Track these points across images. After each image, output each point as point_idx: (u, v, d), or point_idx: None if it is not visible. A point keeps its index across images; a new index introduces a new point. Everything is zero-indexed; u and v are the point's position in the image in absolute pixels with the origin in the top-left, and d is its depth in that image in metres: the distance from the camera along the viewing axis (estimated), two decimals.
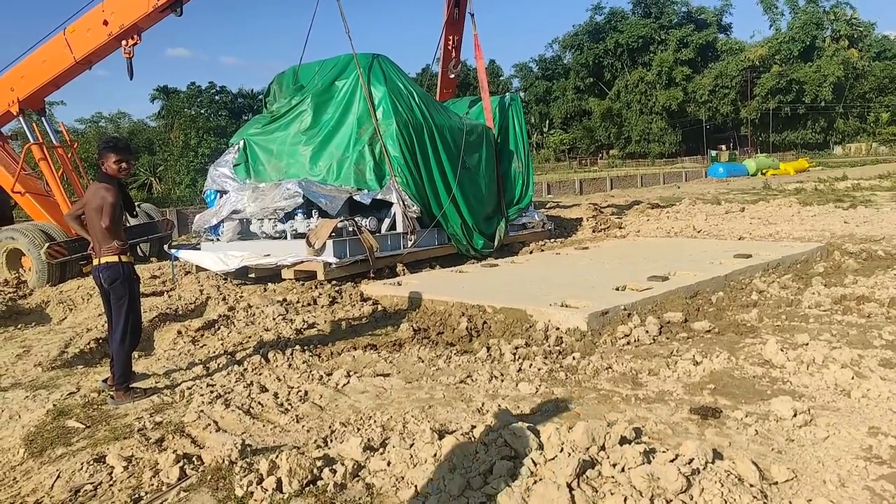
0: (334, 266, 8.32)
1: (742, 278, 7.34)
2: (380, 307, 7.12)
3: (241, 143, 10.51)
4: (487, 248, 10.58)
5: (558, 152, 75.09)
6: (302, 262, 8.41)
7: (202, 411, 4.18)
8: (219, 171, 10.39)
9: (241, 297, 8.17)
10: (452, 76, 14.78)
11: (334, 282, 8.48)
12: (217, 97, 59.55)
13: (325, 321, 6.66)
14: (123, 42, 10.30)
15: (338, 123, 9.87)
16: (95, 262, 4.47)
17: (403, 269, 8.90)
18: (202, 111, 56.37)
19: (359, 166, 9.55)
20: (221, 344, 5.98)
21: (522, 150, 12.31)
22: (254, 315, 6.90)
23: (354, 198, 9.28)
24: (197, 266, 9.20)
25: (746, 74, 67.91)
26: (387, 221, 9.49)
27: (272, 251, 8.69)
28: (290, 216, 9.04)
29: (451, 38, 13.96)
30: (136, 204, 12.55)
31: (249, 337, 6.16)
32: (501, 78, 78.89)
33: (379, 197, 9.39)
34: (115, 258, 4.41)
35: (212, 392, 4.53)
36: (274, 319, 6.66)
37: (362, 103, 9.68)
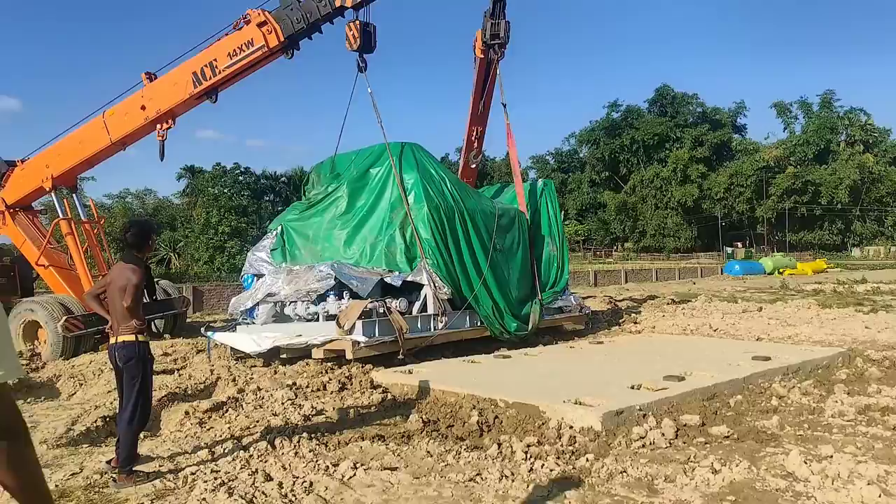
0: (363, 345, 8.34)
1: (761, 382, 7.17)
2: (390, 395, 7.01)
3: (279, 228, 10.83)
4: (522, 331, 10.50)
5: (573, 243, 75.55)
6: (331, 341, 8.45)
7: (204, 499, 4.07)
8: (256, 256, 10.64)
9: (251, 378, 8.11)
10: (473, 166, 15.19)
11: (346, 366, 8.42)
12: (241, 178, 61.18)
13: (334, 408, 6.57)
14: (158, 126, 10.78)
15: (371, 208, 10.20)
16: (112, 340, 4.50)
17: (402, 354, 8.72)
18: (225, 190, 57.83)
19: (390, 249, 9.77)
20: (228, 427, 5.88)
21: (557, 233, 12.46)
22: (262, 399, 6.82)
23: (385, 280, 9.41)
24: (231, 348, 9.23)
25: (761, 174, 68.93)
26: (417, 304, 9.55)
27: (304, 332, 8.78)
28: (322, 298, 9.19)
29: (474, 129, 14.44)
30: (156, 282, 12.75)
31: (257, 421, 6.07)
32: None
33: (410, 279, 9.51)
34: (132, 337, 4.45)
35: (215, 479, 4.42)
36: (283, 404, 6.58)
37: (395, 189, 10.01)
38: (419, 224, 9.68)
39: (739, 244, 69.40)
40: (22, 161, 11.89)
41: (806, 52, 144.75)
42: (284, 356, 8.99)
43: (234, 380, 8.04)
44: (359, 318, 8.42)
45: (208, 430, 5.91)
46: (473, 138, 14.70)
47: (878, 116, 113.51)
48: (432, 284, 9.45)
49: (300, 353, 8.84)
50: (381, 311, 8.80)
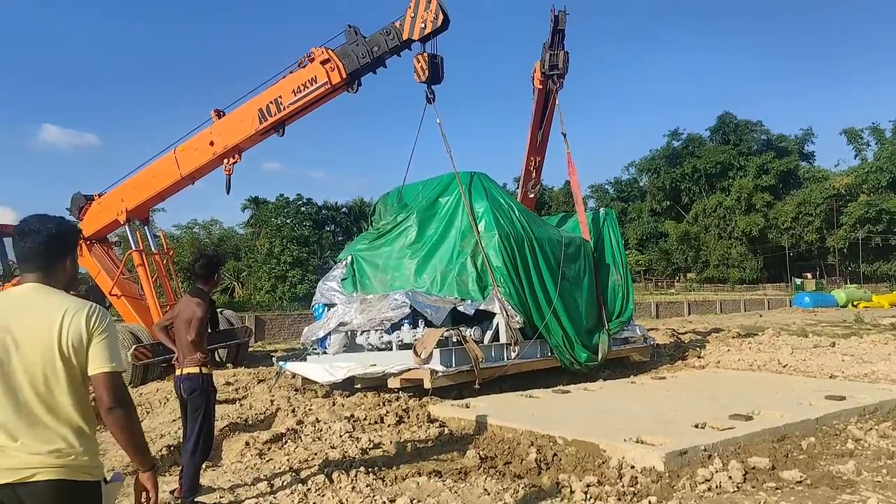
0: (441, 375, 8.38)
1: (836, 423, 6.80)
2: (447, 430, 6.98)
3: (349, 258, 11.06)
4: (591, 362, 10.42)
5: (634, 273, 74.04)
6: (409, 370, 8.52)
7: None
8: (327, 286, 10.85)
9: (310, 409, 8.23)
10: (532, 195, 15.22)
11: (403, 399, 8.45)
12: (303, 209, 62.77)
13: (391, 441, 6.58)
14: (225, 160, 11.22)
15: (441, 237, 10.31)
16: (178, 371, 4.65)
17: (479, 383, 8.66)
18: (288, 221, 59.40)
19: (461, 278, 9.84)
20: (287, 459, 5.96)
21: (620, 263, 12.35)
22: (321, 430, 6.89)
23: (458, 308, 9.46)
24: (303, 378, 9.40)
25: (832, 203, 66.27)
26: (489, 333, 9.56)
27: (378, 361, 8.88)
28: (396, 327, 9.29)
29: (533, 159, 14.52)
30: (219, 313, 13.14)
31: (315, 454, 6.13)
32: None
33: (482, 307, 9.54)
34: (197, 369, 4.59)
35: None
36: (340, 436, 6.63)
37: (464, 218, 10.11)
38: (490, 252, 9.74)
39: (809, 275, 66.48)
40: (99, 195, 12.56)
41: (876, 77, 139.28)
42: (359, 386, 9.09)
43: (293, 410, 8.18)
44: (436, 347, 8.49)
45: (267, 461, 6.01)
46: (532, 168, 14.76)
47: None
48: (505, 313, 9.46)
49: (375, 383, 8.95)
50: (455, 339, 8.86)
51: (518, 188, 15.72)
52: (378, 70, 10.50)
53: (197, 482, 4.55)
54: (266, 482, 5.19)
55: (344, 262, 10.99)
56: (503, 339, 9.43)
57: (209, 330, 4.81)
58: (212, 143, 11.17)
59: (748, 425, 6.34)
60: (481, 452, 6.08)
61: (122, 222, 12.22)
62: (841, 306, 38.27)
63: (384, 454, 6.20)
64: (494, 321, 9.60)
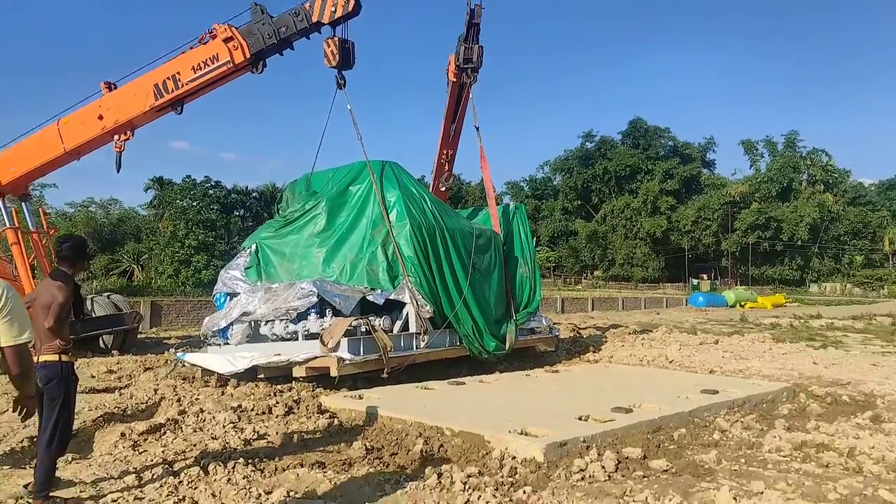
0: (348, 363, 8.27)
1: (707, 415, 7.22)
2: (336, 421, 6.90)
3: (254, 246, 10.69)
4: (499, 351, 10.60)
5: (544, 269, 76.12)
6: (315, 358, 8.37)
7: None
8: (230, 274, 10.47)
9: (196, 399, 7.94)
10: (444, 189, 15.24)
11: (295, 390, 8.30)
12: (211, 191, 60.49)
13: (278, 433, 6.43)
14: (116, 136, 10.62)
15: (351, 226, 10.16)
16: (34, 359, 4.34)
17: (387, 372, 8.64)
18: (194, 203, 57.08)
19: (372, 267, 9.73)
20: (163, 451, 5.71)
21: (529, 255, 12.59)
22: (204, 421, 6.65)
23: (368, 297, 9.36)
24: (203, 369, 9.04)
25: (728, 209, 70.48)
26: (399, 322, 9.52)
27: (283, 351, 8.66)
28: (302, 316, 9.09)
29: (445, 152, 14.53)
30: (85, 301, 12.42)
31: (194, 445, 5.91)
32: (494, 194, 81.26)
33: (392, 297, 9.49)
34: (55, 357, 4.30)
35: None
36: (224, 427, 6.42)
37: (376, 207, 9.99)
38: (402, 242, 9.70)
39: (705, 276, 70.49)
40: None
41: (773, 91, 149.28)
42: (262, 376, 8.84)
43: (178, 400, 7.85)
44: (343, 335, 8.39)
45: (141, 453, 5.73)
46: (444, 161, 14.79)
47: (839, 158, 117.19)
48: (415, 303, 9.47)
49: (279, 373, 8.74)
50: (364, 329, 8.78)
51: (431, 181, 15.74)
52: (286, 52, 10.22)
53: (52, 476, 4.27)
54: (135, 475, 4.94)
55: (248, 251, 10.64)
56: (413, 328, 9.45)
57: (72, 317, 4.51)
58: (101, 118, 10.54)
59: (627, 417, 6.63)
60: (368, 444, 6.05)
61: None
62: (730, 306, 40.68)
63: (268, 445, 6.05)
64: (404, 311, 9.60)
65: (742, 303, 41.32)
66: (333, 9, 9.55)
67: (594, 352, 13.59)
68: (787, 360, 12.64)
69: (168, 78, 10.12)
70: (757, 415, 7.45)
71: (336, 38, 9.89)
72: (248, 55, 9.82)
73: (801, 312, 29.78)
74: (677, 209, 72.37)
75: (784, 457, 5.69)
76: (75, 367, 4.64)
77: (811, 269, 71.90)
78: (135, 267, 57.82)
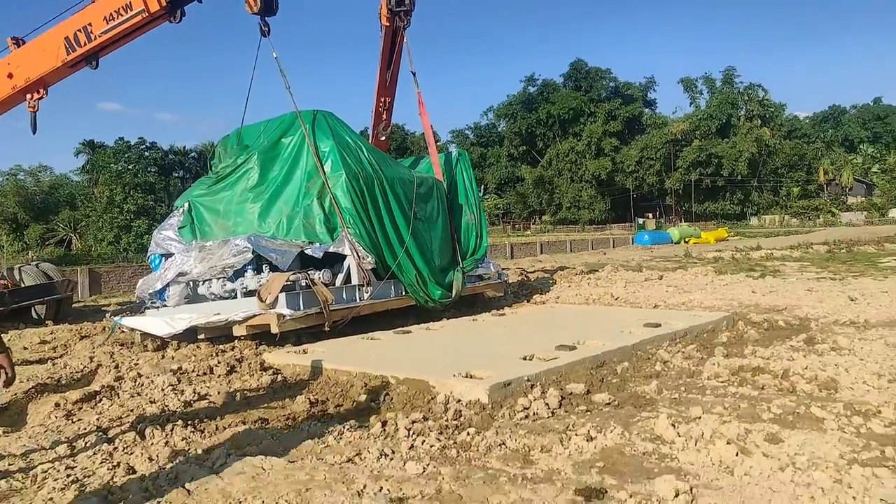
0: (288, 318, 8.07)
1: (649, 348, 7.38)
2: (280, 377, 6.79)
3: (186, 205, 10.27)
4: (446, 298, 10.56)
5: (492, 216, 76.58)
6: (254, 316, 8.14)
7: (51, 499, 3.77)
8: (163, 235, 10.05)
9: (135, 364, 7.71)
10: (383, 138, 14.87)
11: (238, 349, 8.12)
12: (147, 153, 58.24)
13: (219, 392, 6.29)
14: (28, 96, 9.94)
15: (285, 179, 9.81)
16: None
17: (328, 325, 8.51)
18: (130, 167, 54.95)
19: (308, 220, 9.46)
20: (97, 419, 5.51)
21: (474, 202, 12.44)
22: (142, 385, 6.45)
23: (306, 251, 9.11)
24: (142, 333, 8.70)
25: (670, 147, 71.75)
26: (341, 275, 9.33)
27: (222, 310, 8.41)
28: (239, 274, 8.82)
29: (382, 99, 14.11)
30: (35, 265, 11.86)
31: (131, 410, 5.73)
32: (438, 143, 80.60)
33: (331, 250, 9.26)
34: None
35: (68, 476, 4.10)
36: (163, 390, 6.23)
37: (310, 158, 9.66)
38: (338, 193, 9.43)
39: (650, 215, 72.20)
40: None
41: (711, 28, 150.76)
42: (202, 336, 8.63)
43: (116, 367, 7.60)
44: (281, 291, 8.18)
45: (75, 422, 5.52)
46: (382, 109, 14.39)
47: (774, 92, 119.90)
48: (355, 254, 9.27)
49: (220, 333, 8.52)
50: (304, 283, 8.58)
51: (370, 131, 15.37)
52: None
53: None
54: (67, 444, 4.75)
55: (181, 210, 10.24)
56: (355, 280, 9.30)
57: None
58: (10, 76, 9.81)
59: (571, 354, 6.70)
60: (312, 397, 5.97)
61: None
62: (675, 243, 41.84)
63: (210, 405, 5.91)
64: (345, 263, 9.42)
65: (686, 239, 42.53)
66: None
67: (541, 294, 13.75)
68: (728, 291, 13.05)
69: (79, 30, 9.42)
70: (698, 344, 7.65)
71: None
72: (163, 3, 9.18)
73: (742, 245, 30.75)
74: (621, 150, 73.36)
75: (722, 382, 5.86)
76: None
77: (751, 202, 74.29)
78: (72, 235, 55.75)
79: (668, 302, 11.91)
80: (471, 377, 5.87)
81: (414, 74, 12.57)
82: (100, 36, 9.40)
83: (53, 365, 7.86)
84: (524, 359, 6.63)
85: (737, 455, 3.84)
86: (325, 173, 9.41)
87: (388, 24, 12.86)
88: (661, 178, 72.97)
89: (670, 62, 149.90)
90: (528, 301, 12.94)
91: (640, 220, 67.18)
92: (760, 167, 72.98)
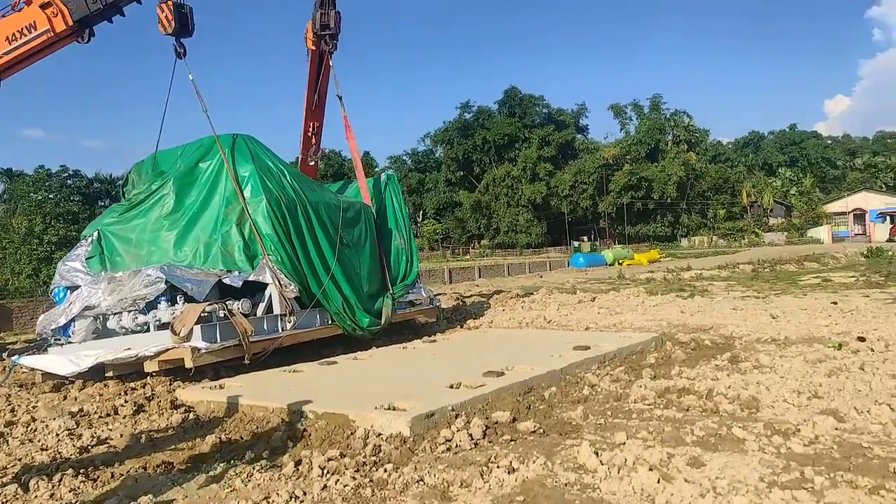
0: (204, 352, 7.60)
1: (578, 371, 7.30)
2: (193, 415, 6.36)
3: (95, 234, 9.69)
4: (374, 326, 10.24)
5: (432, 241, 76.55)
6: (167, 349, 7.62)
7: None
8: (68, 266, 9.44)
9: (34, 407, 7.13)
10: (312, 163, 14.62)
11: (148, 386, 7.62)
12: (70, 182, 55.82)
13: (123, 435, 5.83)
14: None
15: (203, 205, 9.37)
16: None
17: (248, 358, 8.05)
18: (51, 196, 52.48)
19: (227, 248, 9.02)
20: None
21: (404, 227, 12.22)
22: (34, 431, 5.93)
23: (224, 281, 8.66)
24: (43, 373, 8.08)
25: (602, 172, 73.61)
26: (262, 305, 8.89)
27: (133, 345, 7.86)
28: (152, 306, 8.29)
29: (311, 124, 13.90)
30: None
31: (19, 459, 5.23)
32: (376, 169, 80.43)
33: (251, 278, 8.84)
34: None
35: None
36: (57, 435, 5.74)
37: (228, 183, 9.26)
38: (258, 219, 9.06)
39: (585, 238, 73.61)
40: None
41: (640, 55, 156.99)
42: (110, 374, 8.06)
43: (12, 410, 7.01)
44: (197, 322, 7.72)
45: None
46: (311, 134, 14.17)
47: (699, 118, 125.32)
48: (277, 283, 8.89)
49: (131, 370, 7.98)
50: (221, 314, 8.12)
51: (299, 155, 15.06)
52: (115, 19, 9.23)
53: None
54: None
55: (89, 239, 9.65)
56: (277, 309, 8.91)
57: None
58: None
59: (499, 381, 6.54)
60: (224, 436, 5.59)
61: None
62: (609, 265, 42.62)
63: (109, 450, 5.44)
64: (266, 292, 9.02)
65: (620, 261, 43.39)
66: None
67: (475, 319, 13.63)
68: (658, 312, 13.25)
69: None
70: (626, 366, 7.63)
71: (170, 2, 9.05)
72: (70, 22, 8.77)
73: (673, 266, 31.60)
74: (555, 175, 74.73)
75: (648, 405, 5.79)
76: None
77: (681, 224, 76.75)
78: None
79: (600, 324, 11.96)
80: (393, 409, 5.62)
81: (340, 98, 12.43)
82: (2, 56, 8.87)
83: None
84: (451, 387, 6.43)
85: (658, 482, 3.73)
86: (244, 198, 9.06)
87: (313, 48, 12.72)
88: (595, 202, 74.68)
89: (600, 89, 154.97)
90: (461, 326, 12.78)
91: (576, 244, 68.36)
92: (688, 190, 75.66)
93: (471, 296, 19.71)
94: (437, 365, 7.93)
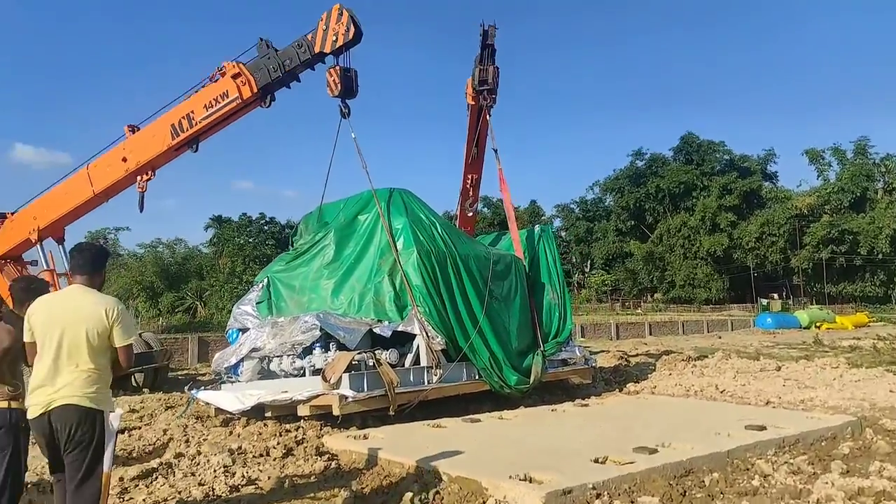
0: (350, 400, 7.84)
1: (749, 456, 6.41)
2: (335, 464, 6.47)
3: (265, 280, 10.52)
4: (522, 384, 9.90)
5: (600, 293, 74.26)
6: (317, 395, 7.99)
7: None
8: (241, 309, 10.32)
9: (204, 439, 7.70)
10: (471, 214, 14.94)
11: (301, 429, 7.93)
12: (266, 227, 61.98)
13: (270, 477, 6.06)
14: (139, 177, 10.71)
15: (359, 256, 9.86)
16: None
17: (393, 409, 8.13)
18: (250, 240, 58.59)
19: (379, 298, 9.35)
20: (143, 500, 5.41)
21: (557, 281, 11.89)
22: (197, 465, 6.35)
23: (374, 330, 8.95)
24: (216, 408, 8.86)
25: (795, 223, 67.17)
26: (410, 356, 9.07)
27: (289, 388, 8.33)
28: (308, 351, 8.75)
29: (469, 176, 14.27)
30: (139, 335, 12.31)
31: (179, 492, 5.60)
32: (543, 217, 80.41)
33: (400, 329, 9.05)
34: (5, 403, 4.08)
35: None
36: (215, 472, 6.09)
37: (383, 235, 9.68)
38: (409, 270, 9.29)
39: (774, 296, 66.95)
40: (11, 214, 11.94)
41: (836, 100, 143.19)
42: (269, 414, 8.56)
43: (186, 441, 7.63)
44: (346, 371, 7.98)
45: (126, 501, 5.46)
46: (469, 186, 14.53)
47: None
48: (425, 334, 8.99)
49: (286, 412, 8.41)
50: (370, 363, 8.34)
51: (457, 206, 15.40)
52: (292, 84, 10.16)
53: None
54: None
55: (260, 285, 10.48)
56: (424, 361, 8.95)
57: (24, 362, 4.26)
58: (124, 160, 10.70)
59: (651, 459, 5.93)
60: (359, 489, 5.60)
61: (33, 241, 11.67)
62: (804, 328, 38.29)
63: (256, 491, 5.67)
64: (414, 343, 9.13)
65: (817, 323, 38.80)
66: (335, 38, 9.45)
67: (636, 382, 12.73)
68: (860, 389, 11.43)
69: (183, 117, 10.19)
70: (810, 455, 6.57)
71: (338, 67, 9.77)
72: (255, 90, 9.79)
73: (885, 332, 27.59)
74: (738, 226, 69.40)
75: None
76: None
77: None
78: (198, 304, 59.48)
79: (784, 399, 10.57)
80: (529, 480, 5.27)
81: (496, 151, 12.60)
82: (200, 122, 10.07)
83: (129, 436, 8.01)
84: (595, 461, 5.94)
85: None
86: (396, 250, 9.32)
87: (473, 102, 13.11)
88: (786, 256, 68.08)
89: (790, 134, 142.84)
90: (619, 390, 11.99)
91: (764, 302, 62.47)
92: None
93: (636, 355, 18.63)
94: (585, 433, 7.41)
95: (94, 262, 4.13)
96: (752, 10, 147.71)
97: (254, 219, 60.87)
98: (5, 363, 4.09)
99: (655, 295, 73.89)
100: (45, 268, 11.77)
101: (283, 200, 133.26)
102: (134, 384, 12.18)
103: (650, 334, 33.79)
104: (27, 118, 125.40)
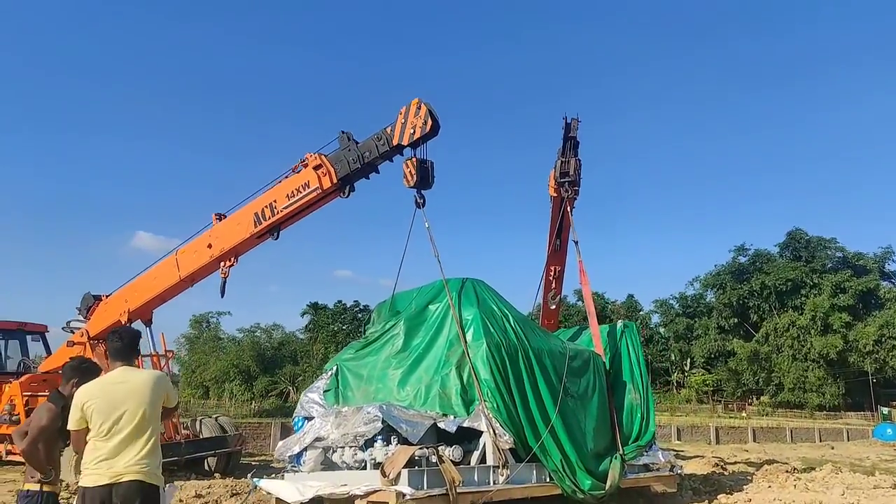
0: (408, 497, 7.48)
1: None
2: None
3: (334, 368, 10.49)
4: (597, 490, 9.13)
5: (700, 393, 69.83)
6: (375, 491, 7.71)
7: None
8: (308, 397, 10.26)
9: None
10: (553, 307, 14.67)
11: None
12: (360, 315, 63.35)
13: None
14: (222, 263, 11.25)
15: (428, 347, 9.67)
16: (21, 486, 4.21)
17: None
18: (344, 327, 59.92)
19: (445, 390, 9.03)
20: None
21: (640, 380, 11.18)
22: None
23: (439, 425, 8.64)
24: (276, 497, 8.74)
25: None
26: (475, 453, 8.65)
27: (350, 481, 8.11)
28: (370, 443, 8.54)
29: (552, 268, 14.13)
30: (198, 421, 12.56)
31: None
32: (641, 312, 77.73)
33: (466, 424, 8.66)
34: (37, 486, 4.14)
35: None
36: None
37: (453, 326, 9.49)
38: (478, 363, 8.96)
39: None
40: (106, 296, 12.77)
41: None
42: None
43: None
44: (406, 466, 7.69)
45: None
46: (552, 278, 14.37)
47: None
48: (492, 431, 8.53)
49: None
50: (432, 459, 7.98)
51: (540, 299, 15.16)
52: (371, 175, 10.51)
53: None
54: None
55: (329, 373, 10.44)
56: (490, 460, 8.48)
57: (63, 442, 4.35)
58: (210, 246, 11.29)
59: None
60: None
61: (123, 322, 12.28)
62: None
63: None
64: (480, 440, 8.70)
65: None
66: (413, 131, 9.75)
67: (729, 494, 11.56)
68: None
69: (266, 206, 10.71)
70: None
71: (415, 159, 10.03)
72: (334, 181, 10.19)
73: None
74: (854, 327, 64.18)
75: None
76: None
77: None
78: (290, 388, 60.75)
79: None
80: None
81: (576, 243, 12.39)
82: (282, 210, 10.55)
83: None
84: None
85: None
86: (465, 342, 9.09)
87: (555, 194, 13.11)
88: None
89: None
90: (708, 502, 10.92)
91: (885, 410, 56.53)
92: None
93: (734, 462, 17.13)
94: None
95: (134, 347, 4.50)
96: (842, 104, 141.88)
97: (348, 306, 62.47)
98: (40, 442, 4.18)
99: (762, 398, 68.63)
100: (152, 351, 12.39)
101: (379, 289, 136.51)
102: (206, 468, 12.31)
103: (753, 440, 31.16)
104: (149, 209, 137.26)
